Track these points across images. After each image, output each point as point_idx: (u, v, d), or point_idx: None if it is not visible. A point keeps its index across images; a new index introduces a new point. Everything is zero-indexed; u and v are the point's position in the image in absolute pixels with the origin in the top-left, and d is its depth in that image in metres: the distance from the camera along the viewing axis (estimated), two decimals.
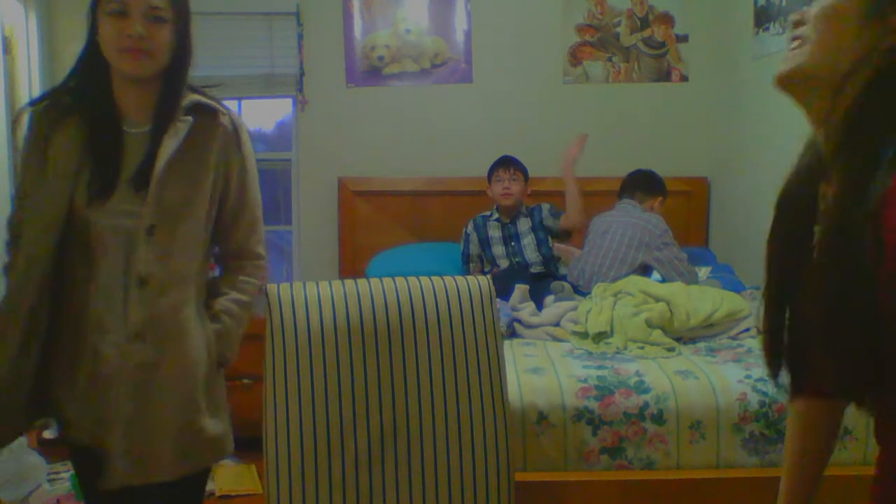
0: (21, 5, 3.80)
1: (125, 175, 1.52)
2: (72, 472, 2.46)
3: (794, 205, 0.96)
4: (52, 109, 1.55)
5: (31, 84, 3.82)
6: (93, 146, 1.52)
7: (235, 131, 1.62)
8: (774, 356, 1.01)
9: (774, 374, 1.03)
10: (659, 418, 2.12)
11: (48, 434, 3.77)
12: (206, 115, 1.59)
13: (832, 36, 0.89)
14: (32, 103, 1.60)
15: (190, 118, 1.56)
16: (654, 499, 2.09)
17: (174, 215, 1.53)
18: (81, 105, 1.54)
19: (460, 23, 4.09)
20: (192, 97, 1.58)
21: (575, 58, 4.11)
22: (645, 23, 4.11)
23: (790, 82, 0.93)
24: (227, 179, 1.62)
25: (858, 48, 0.87)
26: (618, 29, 4.10)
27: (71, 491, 2.74)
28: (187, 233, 1.56)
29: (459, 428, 1.80)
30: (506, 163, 3.52)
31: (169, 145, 1.51)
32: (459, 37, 4.09)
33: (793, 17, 0.92)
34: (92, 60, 1.55)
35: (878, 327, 0.78)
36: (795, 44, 0.91)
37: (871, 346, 0.78)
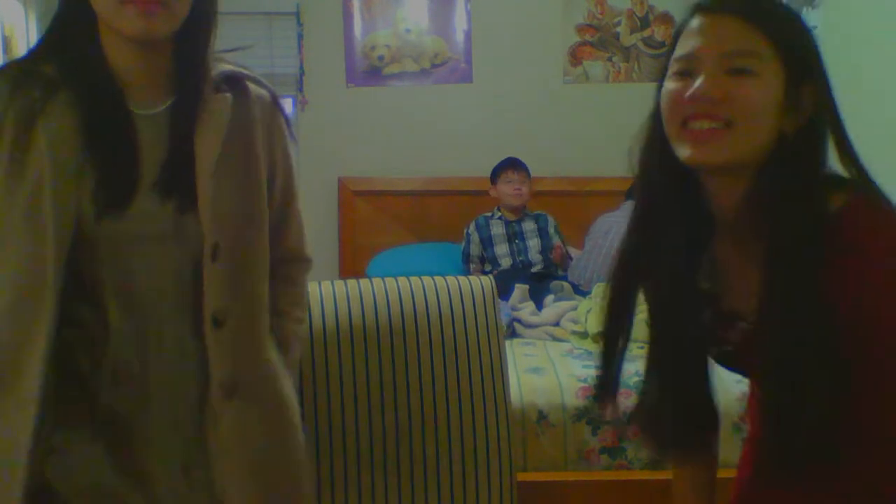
0: (21, 5, 3.80)
1: (147, 175, 1.09)
2: None
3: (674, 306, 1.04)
4: (28, 84, 1.06)
5: None
6: (93, 136, 1.07)
7: (274, 104, 1.22)
8: (661, 436, 1.13)
9: (665, 448, 1.19)
10: None
11: None
12: (240, 88, 1.18)
13: (760, 127, 0.92)
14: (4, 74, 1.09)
15: (229, 95, 1.14)
16: (654, 499, 2.09)
17: (237, 226, 1.13)
18: (71, 77, 1.07)
19: (460, 23, 4.09)
20: (223, 66, 1.17)
21: (575, 58, 4.11)
22: (645, 23, 4.11)
23: (717, 169, 0.96)
24: (274, 168, 1.22)
25: (772, 133, 0.93)
26: (618, 29, 4.11)
27: None
28: (255, 245, 1.17)
29: (462, 428, 1.81)
30: (514, 164, 3.54)
31: (211, 132, 1.10)
32: (459, 37, 4.09)
33: (706, 89, 0.92)
34: (75, 15, 1.08)
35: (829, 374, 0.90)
36: (715, 125, 0.92)
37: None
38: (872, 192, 0.94)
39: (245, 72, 1.19)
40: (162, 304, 1.10)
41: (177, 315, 1.11)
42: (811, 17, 2.94)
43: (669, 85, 0.98)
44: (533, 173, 3.59)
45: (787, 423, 0.92)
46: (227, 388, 1.10)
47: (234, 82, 1.16)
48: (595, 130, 3.62)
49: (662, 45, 4.11)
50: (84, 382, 1.10)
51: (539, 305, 2.98)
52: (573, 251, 3.53)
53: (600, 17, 4.11)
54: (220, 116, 1.11)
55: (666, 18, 4.11)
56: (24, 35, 3.83)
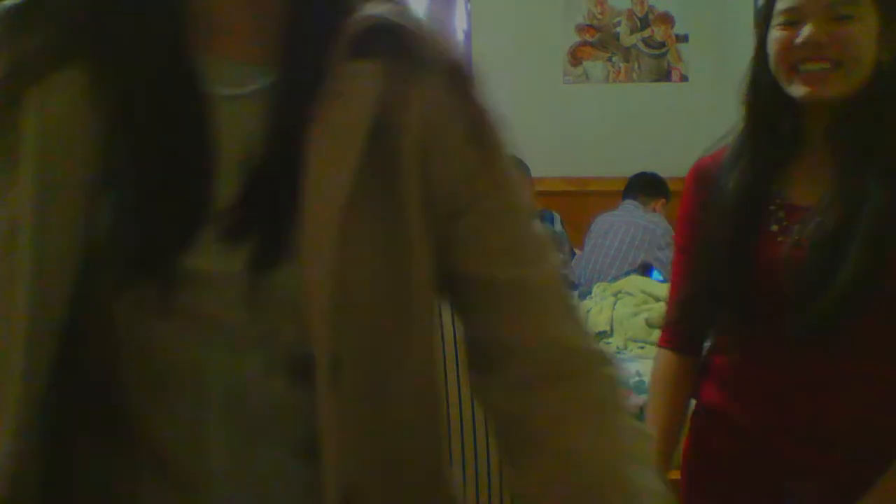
0: None
1: (215, 206, 0.58)
2: None
3: (748, 202, 1.16)
4: (27, 26, 0.59)
5: None
6: (128, 131, 0.58)
7: (458, 82, 0.68)
8: (687, 322, 1.27)
9: (684, 334, 1.29)
10: None
11: None
12: (397, 49, 0.62)
13: (863, 63, 1.08)
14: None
15: (378, 63, 0.61)
16: None
17: (379, 312, 0.61)
18: (108, 17, 0.59)
19: (460, 23, 4.09)
20: (371, 10, 0.62)
21: (575, 58, 4.11)
22: (645, 23, 4.11)
23: (828, 102, 1.10)
24: (456, 188, 0.66)
25: (872, 65, 1.09)
26: (618, 29, 4.10)
27: None
28: (407, 346, 0.63)
29: (462, 428, 1.80)
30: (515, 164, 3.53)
31: (337, 131, 0.59)
32: (459, 37, 4.09)
33: (815, 36, 1.07)
34: None
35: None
36: (823, 66, 1.08)
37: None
38: None
39: (407, 20, 0.64)
40: (247, 449, 0.61)
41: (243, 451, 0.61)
42: None
43: (777, 34, 1.12)
44: (533, 173, 3.58)
45: (817, 286, 1.06)
46: None
47: (387, 39, 0.62)
48: (595, 130, 3.62)
49: (662, 44, 4.11)
50: None
51: None
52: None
53: (600, 17, 4.10)
54: (359, 103, 0.59)
55: (666, 18, 4.11)
56: None
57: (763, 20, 1.16)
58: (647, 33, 4.11)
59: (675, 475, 1.30)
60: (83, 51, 0.58)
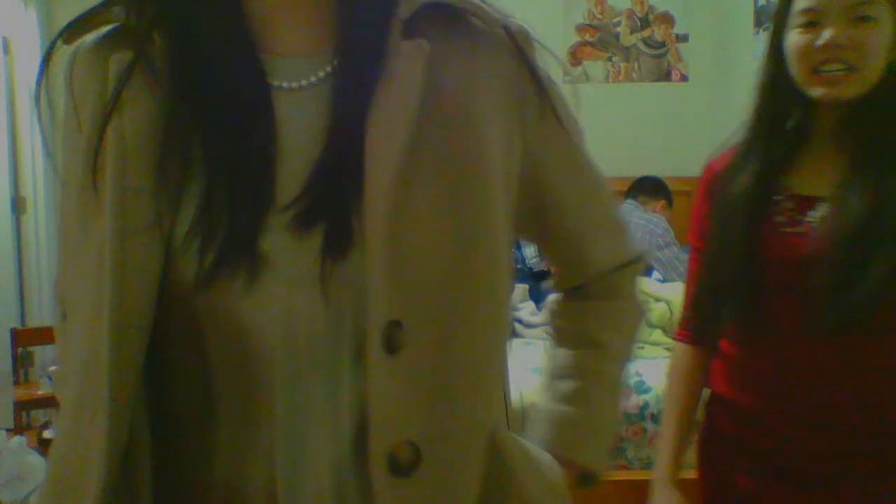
0: (21, 5, 3.80)
1: (281, 196, 0.60)
2: None
3: (756, 195, 1.19)
4: (115, 41, 0.63)
5: (31, 84, 3.82)
6: (197, 129, 0.61)
7: (517, 49, 0.67)
8: (699, 316, 1.30)
9: (697, 327, 1.32)
10: (659, 418, 2.12)
11: (48, 434, 3.77)
12: (453, 27, 0.65)
13: (878, 65, 1.10)
14: (72, 29, 0.66)
15: (423, 41, 0.62)
16: None
17: (441, 281, 0.62)
18: (173, 22, 0.62)
19: None
20: None
21: (575, 58, 4.11)
22: (645, 23, 4.11)
23: (843, 103, 1.13)
24: (539, 166, 0.71)
25: (885, 63, 1.11)
26: (618, 29, 4.10)
27: None
28: (476, 316, 0.64)
29: None
30: None
31: (391, 111, 0.60)
32: None
33: (835, 39, 1.09)
34: None
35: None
36: (841, 67, 1.10)
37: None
38: None
39: (465, 1, 0.64)
40: (305, 428, 0.62)
41: (327, 451, 0.62)
42: None
43: (797, 36, 1.13)
44: None
45: (850, 281, 1.08)
46: None
47: (443, 18, 0.63)
48: (595, 130, 3.59)
49: (662, 44, 4.11)
50: None
51: (539, 305, 2.98)
52: None
53: (600, 17, 4.10)
54: (407, 81, 0.61)
55: (666, 18, 4.11)
56: (23, 35, 3.82)
57: (780, 19, 1.17)
58: (647, 33, 4.11)
59: (689, 474, 1.34)
60: (163, 31, 0.61)
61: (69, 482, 0.62)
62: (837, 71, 1.10)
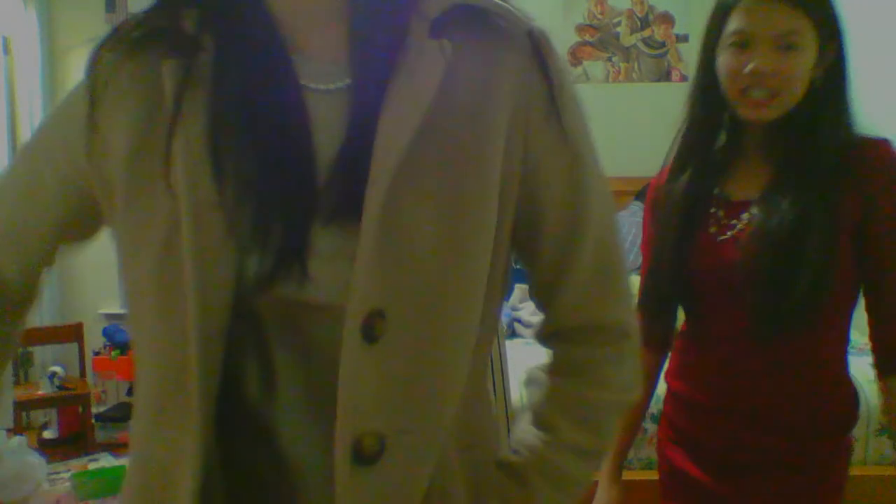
0: (21, 5, 3.80)
1: (325, 195, 0.63)
2: (72, 472, 2.46)
3: (691, 207, 1.25)
4: (156, 52, 0.64)
5: (31, 84, 3.82)
6: (248, 135, 0.63)
7: (534, 54, 0.67)
8: (645, 321, 1.30)
9: (644, 331, 1.40)
10: (658, 418, 2.12)
11: (48, 434, 3.77)
12: (475, 33, 0.66)
13: (800, 88, 1.17)
14: (119, 35, 0.67)
15: (445, 42, 0.64)
16: (654, 499, 2.09)
17: (426, 280, 0.63)
18: (221, 33, 0.64)
19: None
20: None
21: (575, 58, 4.11)
22: (645, 23, 4.11)
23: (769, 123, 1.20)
24: (531, 170, 0.68)
25: (807, 84, 1.18)
26: (618, 29, 4.10)
27: (71, 491, 2.74)
28: (453, 315, 0.64)
29: None
30: None
31: (402, 110, 0.62)
32: None
33: (762, 67, 1.15)
34: None
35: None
36: (766, 94, 1.17)
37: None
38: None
39: (493, 2, 0.66)
40: (294, 417, 0.67)
41: (310, 436, 0.66)
42: None
43: (729, 58, 1.20)
44: None
45: (779, 288, 1.14)
46: None
47: (470, 21, 0.65)
48: (595, 130, 3.60)
49: (662, 44, 4.11)
50: None
51: None
52: None
53: (600, 17, 4.10)
54: (421, 81, 0.62)
55: (666, 18, 4.11)
56: (23, 35, 3.82)
57: (712, 36, 1.25)
58: (647, 33, 4.11)
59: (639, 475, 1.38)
60: (216, 43, 0.64)
61: (155, 487, 0.65)
62: (762, 97, 1.17)
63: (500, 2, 0.66)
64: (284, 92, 0.64)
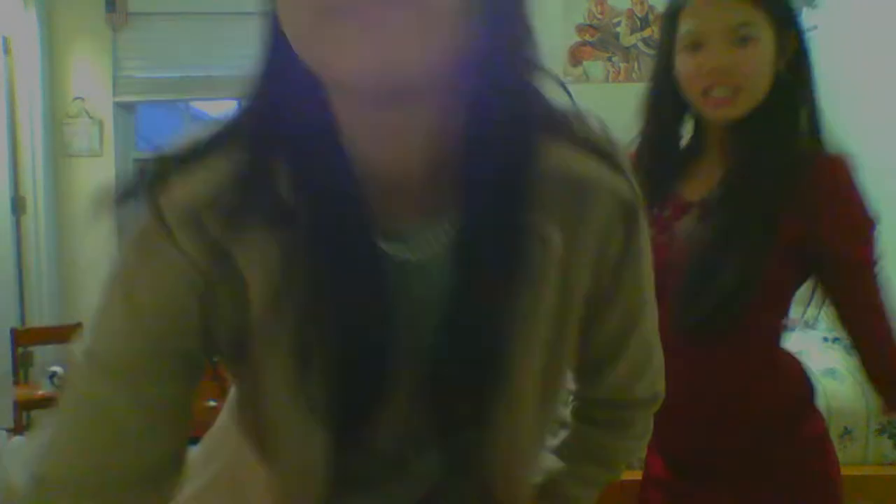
0: (21, 5, 3.80)
1: (395, 389, 0.60)
2: None
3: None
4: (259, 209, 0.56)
5: (31, 84, 3.83)
6: (322, 311, 0.57)
7: (627, 217, 0.64)
8: None
9: None
10: None
11: None
12: (581, 201, 0.61)
13: (763, 81, 1.14)
14: (159, 174, 0.59)
15: (555, 233, 0.59)
16: None
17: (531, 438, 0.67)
18: (313, 200, 0.56)
19: None
20: (562, 152, 0.61)
21: (575, 58, 4.11)
22: (645, 23, 4.11)
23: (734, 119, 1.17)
24: (603, 297, 0.67)
25: (771, 76, 1.14)
26: (618, 29, 4.10)
27: None
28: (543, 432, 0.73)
29: None
30: None
31: (535, 312, 0.59)
32: None
33: (719, 64, 1.13)
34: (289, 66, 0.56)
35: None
36: (727, 92, 1.14)
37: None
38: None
39: (597, 169, 0.62)
40: None
41: None
42: (811, 17, 2.94)
43: (686, 59, 1.18)
44: None
45: (693, 296, 1.12)
46: None
47: (576, 191, 0.60)
48: None
49: None
50: None
51: None
52: None
53: (600, 17, 4.11)
54: (545, 278, 0.58)
55: None
56: (24, 35, 3.82)
57: (667, 38, 1.23)
58: (647, 33, 4.11)
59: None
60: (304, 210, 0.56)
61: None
62: (725, 95, 1.14)
63: (612, 163, 0.62)
64: (361, 250, 0.56)
